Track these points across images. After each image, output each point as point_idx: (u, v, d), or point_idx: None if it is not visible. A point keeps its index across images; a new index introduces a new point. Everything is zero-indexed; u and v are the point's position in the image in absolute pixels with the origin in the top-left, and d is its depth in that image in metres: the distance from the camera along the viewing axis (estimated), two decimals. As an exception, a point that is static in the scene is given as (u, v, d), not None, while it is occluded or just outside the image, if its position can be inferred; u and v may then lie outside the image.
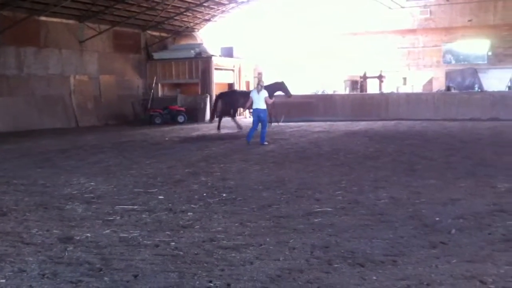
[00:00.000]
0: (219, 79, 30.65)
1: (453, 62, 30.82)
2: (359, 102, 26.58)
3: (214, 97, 29.40)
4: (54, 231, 6.29)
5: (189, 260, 5.10)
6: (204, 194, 8.33)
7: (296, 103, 24.42)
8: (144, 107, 27.32)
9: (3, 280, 4.64)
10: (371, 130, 19.53)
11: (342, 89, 31.85)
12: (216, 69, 29.93)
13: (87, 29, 26.61)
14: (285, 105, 23.97)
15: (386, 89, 28.79)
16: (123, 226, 6.44)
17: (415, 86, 31.35)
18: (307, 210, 7.06)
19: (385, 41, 31.89)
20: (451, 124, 21.34)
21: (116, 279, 4.63)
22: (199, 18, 32.68)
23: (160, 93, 30.81)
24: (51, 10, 23.88)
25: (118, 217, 6.92)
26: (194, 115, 27.44)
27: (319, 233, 5.95)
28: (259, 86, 15.87)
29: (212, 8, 31.67)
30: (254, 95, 15.79)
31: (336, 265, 4.87)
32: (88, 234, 6.11)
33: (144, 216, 6.96)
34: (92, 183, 9.55)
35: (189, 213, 7.05)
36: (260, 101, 15.59)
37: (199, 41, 32.78)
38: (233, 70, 31.57)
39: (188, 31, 33.38)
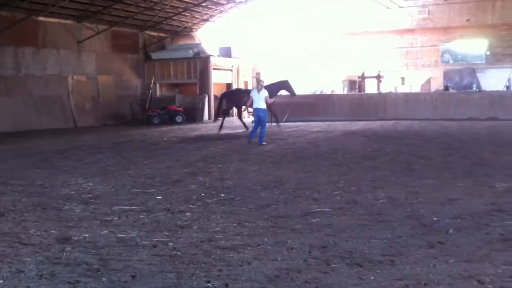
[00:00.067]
0: (218, 79, 30.65)
1: (451, 61, 30.85)
2: (357, 102, 26.57)
3: (212, 97, 29.55)
4: (52, 231, 6.29)
5: (187, 260, 5.10)
6: (202, 194, 8.33)
7: (295, 103, 24.39)
8: (142, 107, 27.30)
9: (1, 281, 4.63)
10: (369, 130, 19.54)
11: (340, 89, 31.87)
12: (214, 69, 29.93)
13: (85, 29, 26.59)
14: (284, 105, 23.95)
15: (384, 89, 28.81)
16: (121, 227, 6.43)
17: (413, 85, 31.38)
18: (305, 210, 7.07)
19: (384, 41, 31.91)
20: (449, 123, 21.36)
21: (114, 279, 4.63)
22: (197, 18, 32.67)
23: (158, 93, 30.79)
24: (49, 10, 23.86)
25: (116, 218, 6.91)
26: (192, 115, 27.43)
27: (317, 233, 5.95)
28: (259, 86, 15.85)
29: (210, 8, 31.66)
30: (254, 95, 15.78)
31: (334, 265, 4.87)
32: (86, 235, 6.10)
33: (142, 216, 6.95)
34: (90, 184, 9.54)
35: (187, 213, 7.05)
36: (260, 100, 15.58)
37: (197, 41, 32.77)
38: (231, 70, 31.56)
39: (186, 31, 33.36)
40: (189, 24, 32.93)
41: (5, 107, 22.87)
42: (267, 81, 18.99)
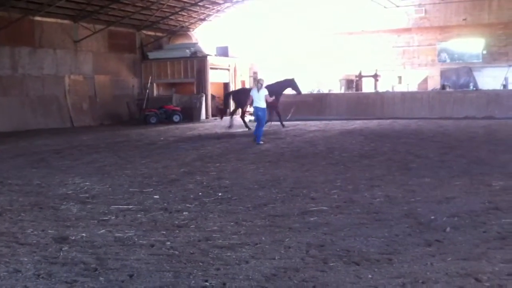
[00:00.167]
0: (215, 79, 30.65)
1: (448, 61, 30.90)
2: (354, 101, 26.57)
3: (209, 96, 29.56)
4: (49, 231, 6.28)
5: (185, 259, 5.10)
6: (200, 194, 8.33)
7: (292, 102, 24.38)
8: (139, 107, 27.28)
9: (-2, 281, 4.63)
10: (367, 129, 19.55)
11: (337, 88, 31.89)
12: (211, 68, 29.93)
13: (82, 29, 26.56)
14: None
15: (381, 88, 28.83)
16: (118, 226, 6.43)
17: (410, 85, 31.43)
18: (303, 209, 7.07)
19: (380, 40, 31.95)
20: (446, 122, 21.38)
21: (111, 279, 4.62)
22: (194, 17, 32.66)
23: (155, 93, 30.79)
24: (46, 10, 23.84)
25: (113, 217, 6.91)
26: (189, 114, 27.40)
27: (314, 232, 5.95)
28: (259, 84, 15.86)
29: (207, 8, 31.65)
30: (254, 94, 15.81)
31: (331, 264, 4.87)
32: (83, 234, 6.09)
33: (139, 215, 6.95)
34: (87, 183, 9.53)
35: (184, 213, 7.05)
36: (260, 99, 15.59)
37: (194, 41, 32.75)
38: (228, 70, 31.56)
39: (183, 31, 33.35)
40: (186, 23, 32.92)
41: (2, 107, 22.84)
42: (267, 80, 18.88)
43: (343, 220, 6.47)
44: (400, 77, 32.43)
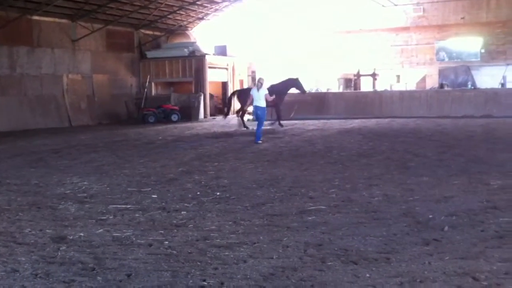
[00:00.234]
0: (213, 78, 30.62)
1: (446, 59, 30.91)
2: (353, 100, 26.57)
3: (208, 95, 29.53)
4: (47, 230, 6.27)
5: (183, 259, 5.10)
6: (198, 193, 8.33)
7: (290, 101, 24.36)
8: (137, 106, 27.24)
9: (-4, 281, 4.63)
10: (365, 128, 19.56)
11: (336, 87, 31.88)
12: (209, 67, 29.89)
13: (80, 28, 26.51)
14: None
15: (379, 87, 28.83)
16: (116, 226, 6.43)
17: (408, 83, 31.42)
18: (301, 208, 7.07)
19: (379, 39, 31.95)
20: (444, 121, 21.39)
21: (109, 278, 4.62)
22: (193, 16, 32.63)
23: (153, 92, 30.74)
24: (44, 9, 23.80)
25: (111, 217, 6.90)
26: (187, 113, 27.36)
27: (312, 231, 5.95)
28: (259, 84, 15.87)
29: (205, 7, 31.63)
30: (254, 93, 15.83)
31: (329, 263, 4.87)
32: (81, 234, 6.09)
33: (137, 215, 6.94)
34: (85, 183, 9.53)
35: (182, 212, 7.05)
36: (260, 98, 15.63)
37: (192, 40, 32.72)
38: (226, 69, 31.54)
39: (181, 30, 33.33)
40: (184, 22, 32.89)
41: (0, 107, 22.79)
42: (267, 79, 18.85)
43: (341, 219, 6.48)
44: (398, 76, 32.43)
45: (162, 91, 31.32)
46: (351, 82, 31.53)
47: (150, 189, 8.78)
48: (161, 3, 28.06)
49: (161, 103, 27.28)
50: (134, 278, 4.61)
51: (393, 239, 5.56)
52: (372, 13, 31.38)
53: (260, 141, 15.42)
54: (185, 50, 30.22)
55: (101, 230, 6.25)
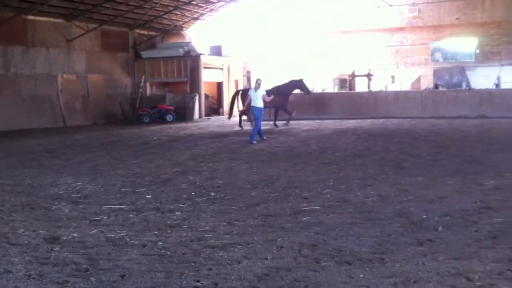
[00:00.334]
0: (208, 78, 30.61)
1: (441, 60, 31.01)
2: (348, 101, 26.59)
3: (203, 95, 29.49)
4: (41, 231, 6.25)
5: (177, 259, 5.08)
6: (192, 193, 8.31)
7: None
8: (132, 106, 27.19)
9: (-12, 282, 4.60)
10: (360, 128, 19.58)
11: (331, 88, 31.93)
12: (204, 67, 29.88)
13: (75, 28, 26.46)
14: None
15: (374, 87, 28.88)
16: (110, 226, 6.41)
17: (403, 84, 31.51)
18: (295, 209, 7.07)
19: (374, 40, 32.02)
20: (439, 121, 21.43)
21: (103, 279, 4.60)
22: (188, 16, 32.61)
23: (148, 92, 30.70)
24: (39, 9, 23.75)
25: (105, 217, 6.88)
26: (182, 114, 27.33)
27: (307, 232, 5.95)
28: (257, 84, 15.90)
29: (201, 7, 31.62)
30: (252, 93, 15.87)
31: (323, 263, 4.87)
32: (75, 234, 6.07)
33: (131, 215, 6.93)
34: (79, 183, 9.50)
35: (177, 213, 7.03)
36: (257, 99, 15.67)
37: (187, 40, 32.71)
38: (222, 69, 31.52)
39: (176, 30, 33.30)
40: (180, 22, 32.87)
41: (-6, 107, 22.73)
42: (263, 79, 18.85)
43: (336, 219, 6.47)
44: (393, 77, 32.51)
45: (157, 91, 31.27)
46: (346, 83, 31.59)
47: (144, 189, 8.76)
48: (156, 3, 28.04)
49: (156, 103, 27.24)
50: (128, 279, 4.60)
51: (387, 240, 5.56)
52: (367, 13, 31.46)
53: (255, 142, 15.41)
54: (180, 50, 30.21)
55: (95, 230, 6.23)
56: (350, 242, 5.50)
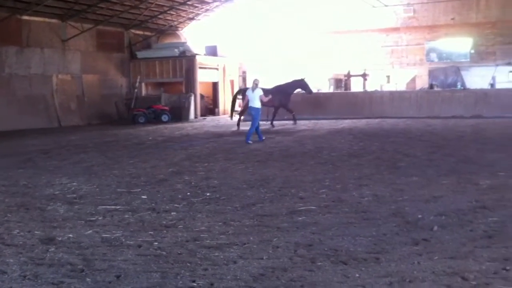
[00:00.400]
0: (203, 78, 30.57)
1: (436, 60, 31.07)
2: (343, 101, 26.60)
3: (198, 96, 29.46)
4: (36, 232, 6.23)
5: (172, 260, 5.08)
6: (188, 194, 8.30)
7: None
8: (127, 107, 27.14)
9: (-17, 282, 4.59)
10: (355, 128, 19.60)
11: (326, 88, 31.95)
12: (200, 68, 29.84)
13: (70, 28, 26.38)
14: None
15: (370, 87, 28.92)
16: (106, 227, 6.39)
17: (398, 84, 31.55)
18: (291, 209, 7.07)
19: (369, 40, 32.07)
20: (434, 121, 21.48)
21: (98, 280, 4.59)
22: (183, 16, 32.58)
23: (143, 92, 30.63)
24: (33, 9, 23.67)
25: (100, 218, 6.87)
26: (178, 114, 27.29)
27: (302, 232, 5.95)
28: (254, 84, 15.92)
29: (196, 7, 31.59)
30: (249, 94, 15.87)
31: (319, 263, 4.87)
32: (70, 235, 6.05)
33: (127, 216, 6.91)
34: (74, 183, 9.47)
35: (172, 213, 7.02)
36: (254, 99, 15.67)
37: (183, 40, 32.67)
38: (217, 69, 31.50)
39: (172, 30, 33.26)
40: (175, 22, 32.83)
41: (-11, 107, 22.64)
42: (259, 79, 18.85)
43: (331, 219, 6.48)
44: (388, 77, 32.57)
45: (153, 91, 31.20)
46: (342, 83, 31.61)
47: (140, 190, 8.75)
48: (152, 3, 28.00)
49: (152, 103, 27.18)
50: (123, 279, 4.59)
51: (383, 239, 5.57)
52: (362, 13, 31.49)
53: (250, 142, 15.40)
54: (176, 50, 30.17)
55: (90, 231, 6.21)
56: (346, 242, 5.50)
